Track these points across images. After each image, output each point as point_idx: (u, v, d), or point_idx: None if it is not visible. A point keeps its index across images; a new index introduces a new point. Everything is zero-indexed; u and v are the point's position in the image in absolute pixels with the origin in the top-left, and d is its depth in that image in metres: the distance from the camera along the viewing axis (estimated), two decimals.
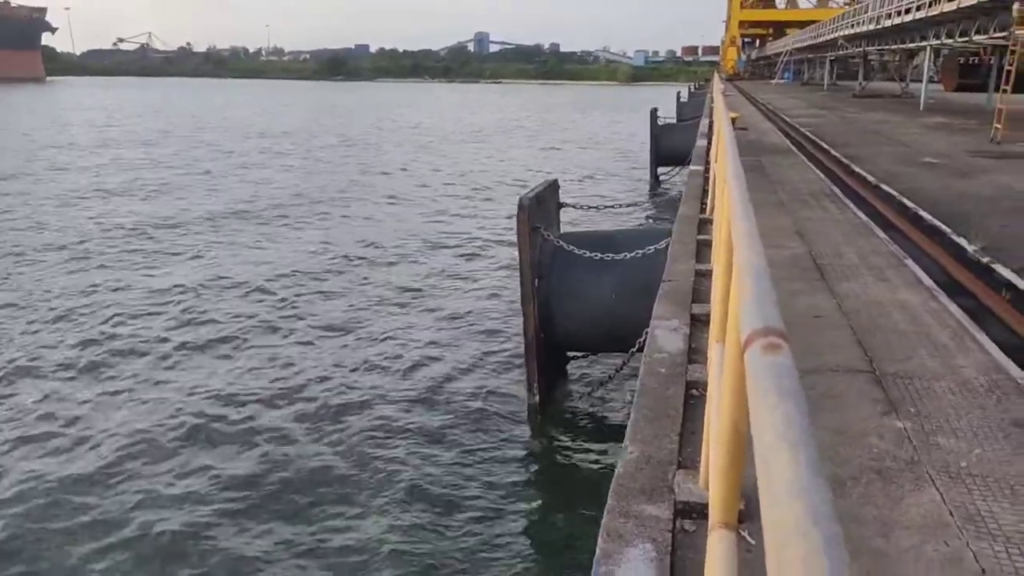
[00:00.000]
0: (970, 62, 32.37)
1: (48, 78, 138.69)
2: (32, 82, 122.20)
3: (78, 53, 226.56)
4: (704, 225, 6.98)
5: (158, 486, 6.49)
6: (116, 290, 12.09)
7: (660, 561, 2.21)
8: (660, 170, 23.27)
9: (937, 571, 2.24)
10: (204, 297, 11.76)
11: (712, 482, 1.56)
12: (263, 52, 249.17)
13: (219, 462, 6.92)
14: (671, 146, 21.60)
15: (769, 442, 0.64)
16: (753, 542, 2.30)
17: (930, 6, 22.10)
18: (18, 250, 14.55)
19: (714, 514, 1.47)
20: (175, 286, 12.26)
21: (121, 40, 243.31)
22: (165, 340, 9.91)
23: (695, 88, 50.83)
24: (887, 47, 32.84)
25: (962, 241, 6.45)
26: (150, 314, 10.94)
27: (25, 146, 32.92)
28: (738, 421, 1.36)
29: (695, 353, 3.87)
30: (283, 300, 11.73)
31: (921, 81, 29.41)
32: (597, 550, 2.25)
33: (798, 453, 0.59)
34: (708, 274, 5.11)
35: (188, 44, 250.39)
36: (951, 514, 2.51)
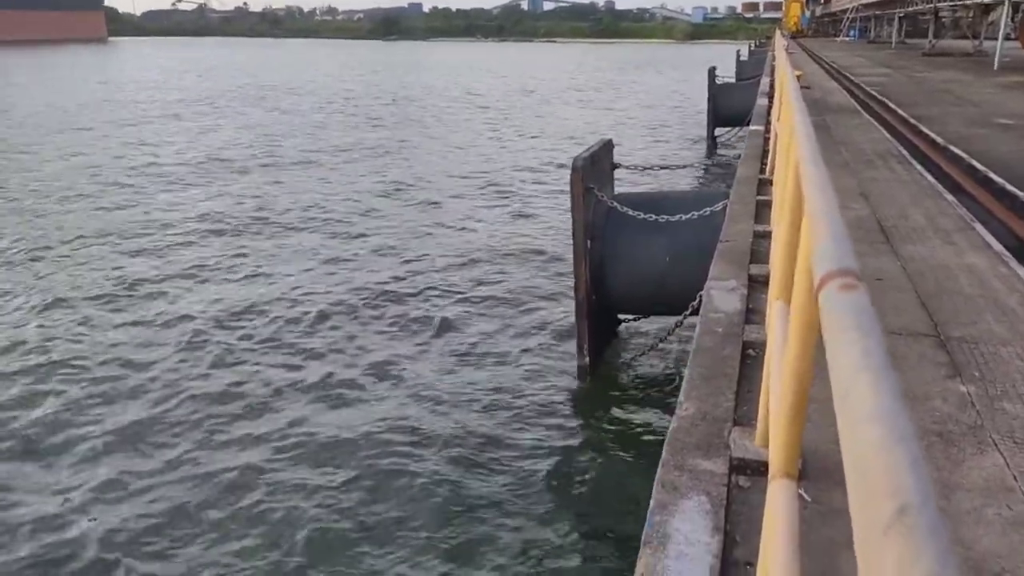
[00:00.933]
0: None
1: (110, 38, 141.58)
2: (95, 42, 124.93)
3: (138, 14, 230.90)
4: (763, 186, 6.84)
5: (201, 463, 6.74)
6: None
7: (715, 514, 2.22)
8: (718, 131, 22.75)
9: (999, 533, 2.21)
10: (256, 231, 12.05)
11: (773, 435, 1.57)
12: (317, 11, 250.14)
13: (272, 426, 7.15)
14: (729, 106, 21.08)
15: (847, 373, 0.64)
16: (809, 499, 2.30)
17: None
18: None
19: (775, 465, 1.48)
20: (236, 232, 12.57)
21: (179, 1, 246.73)
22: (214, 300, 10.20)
23: (755, 46, 49.32)
24: (960, 2, 31.21)
25: None
26: (203, 278, 11.26)
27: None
28: (803, 372, 1.36)
29: (752, 313, 3.83)
30: (336, 248, 11.97)
31: (996, 39, 27.94)
32: (652, 500, 2.27)
33: (879, 379, 0.60)
34: (767, 235, 5.02)
35: (245, 4, 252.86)
36: (1015, 479, 2.47)
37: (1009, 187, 6.95)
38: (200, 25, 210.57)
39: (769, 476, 1.49)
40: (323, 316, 9.53)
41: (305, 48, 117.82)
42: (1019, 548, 2.14)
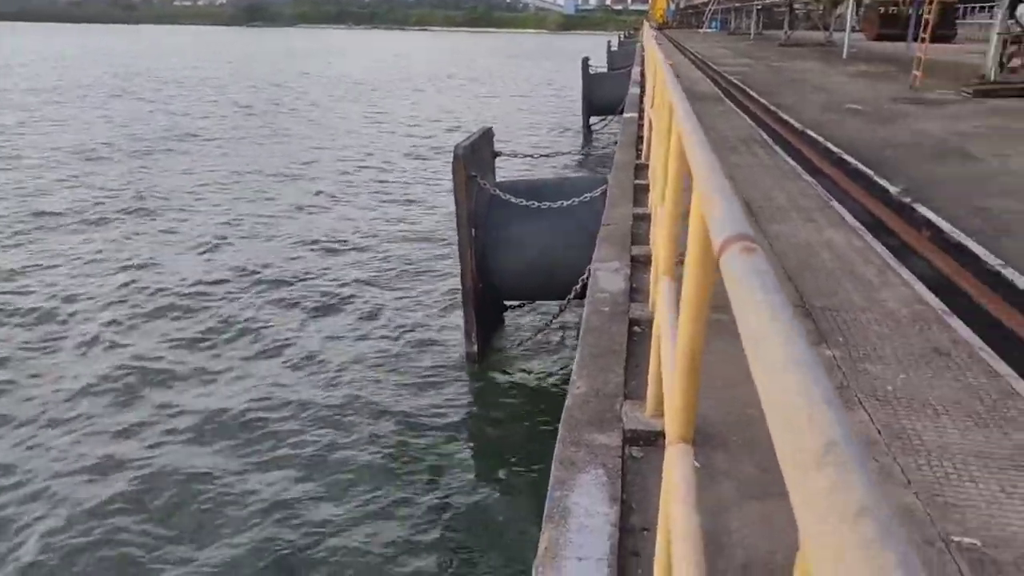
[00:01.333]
0: (890, 12, 33.21)
1: None
2: None
3: None
4: (640, 171, 7.07)
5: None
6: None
7: (612, 485, 2.29)
8: (592, 119, 23.30)
9: None
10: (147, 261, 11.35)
11: (668, 402, 1.62)
12: None
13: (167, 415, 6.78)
14: (603, 95, 21.63)
15: (759, 327, 0.67)
16: (698, 464, 2.40)
17: None
18: None
19: (671, 432, 1.53)
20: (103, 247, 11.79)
21: None
22: (104, 300, 9.55)
23: (625, 37, 50.77)
24: None
25: (884, 182, 6.71)
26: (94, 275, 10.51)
27: None
28: (696, 339, 1.42)
29: (636, 292, 3.96)
30: (218, 254, 11.42)
31: (844, 30, 30.06)
32: (551, 477, 2.31)
33: (789, 331, 0.63)
34: (646, 217, 5.20)
35: None
36: (879, 432, 2.68)
37: (861, 167, 7.49)
38: (47, 10, 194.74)
39: (666, 442, 1.54)
40: (198, 304, 9.17)
41: (164, 35, 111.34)
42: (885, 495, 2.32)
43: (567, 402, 2.77)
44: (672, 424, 1.54)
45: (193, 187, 15.54)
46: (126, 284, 9.92)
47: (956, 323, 3.67)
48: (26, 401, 6.99)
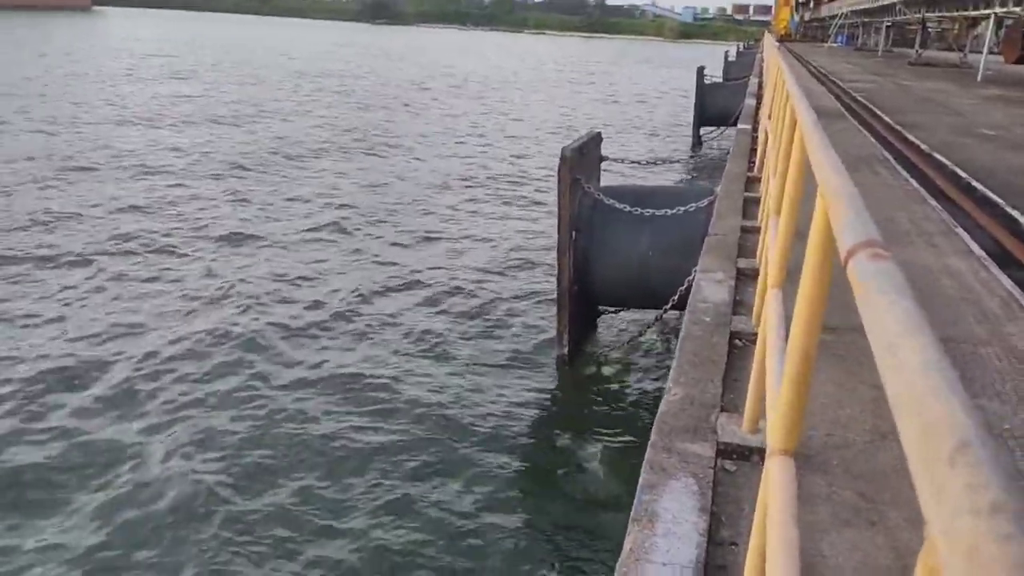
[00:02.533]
0: None
1: (94, 7, 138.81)
2: (79, 11, 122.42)
3: None
4: (751, 184, 6.90)
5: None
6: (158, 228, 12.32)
7: (702, 495, 2.26)
8: (703, 130, 22.88)
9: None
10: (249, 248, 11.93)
11: (773, 414, 1.59)
12: None
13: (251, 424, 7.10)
14: (716, 105, 21.21)
15: (891, 332, 0.66)
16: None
17: None
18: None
19: (774, 443, 1.51)
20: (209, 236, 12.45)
21: None
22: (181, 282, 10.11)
23: (744, 48, 49.56)
24: (948, 14, 31.60)
25: (1015, 213, 6.31)
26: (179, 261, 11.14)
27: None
28: (809, 349, 1.38)
29: (740, 306, 3.88)
30: (321, 243, 11.85)
31: (980, 52, 28.35)
32: (640, 480, 2.30)
33: (924, 335, 0.62)
34: (755, 230, 5.08)
35: None
36: None
37: (990, 194, 7.07)
38: (184, 0, 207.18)
39: (767, 454, 1.51)
40: (302, 290, 9.52)
41: (295, 28, 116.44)
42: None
43: (661, 407, 2.74)
44: (775, 435, 1.51)
45: (310, 180, 16.18)
46: (225, 292, 10.03)
47: None
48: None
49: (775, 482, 1.41)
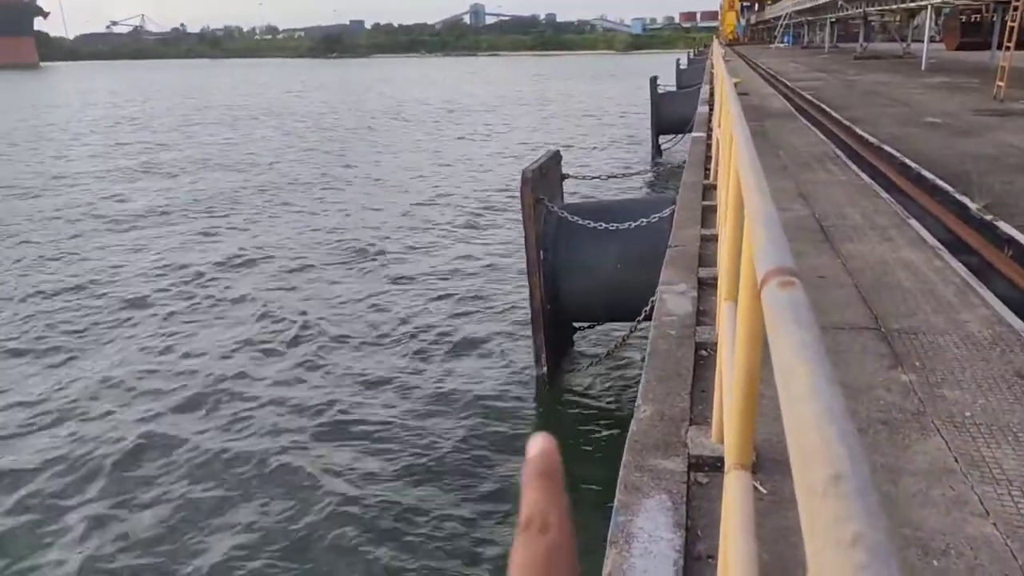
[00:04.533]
0: (972, 20, 32.02)
1: (42, 64, 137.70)
2: (26, 69, 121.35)
3: (71, 37, 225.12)
4: (708, 191, 7.02)
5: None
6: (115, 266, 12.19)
7: (676, 510, 2.29)
8: (661, 138, 23.16)
9: (943, 514, 2.32)
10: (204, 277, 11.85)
11: (727, 428, 1.64)
12: (256, 31, 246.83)
13: (223, 443, 7.04)
14: (672, 114, 21.47)
15: (788, 361, 0.70)
16: (764, 491, 2.39)
17: None
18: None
19: (730, 458, 1.55)
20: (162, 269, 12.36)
21: (114, 23, 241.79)
22: (147, 314, 10.01)
23: (694, 55, 50.36)
24: (887, 7, 32.48)
25: (965, 199, 6.48)
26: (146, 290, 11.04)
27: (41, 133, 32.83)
28: (752, 368, 1.43)
29: (703, 315, 3.94)
30: (283, 277, 11.82)
31: (922, 41, 29.14)
32: (615, 501, 2.33)
33: (814, 366, 0.66)
34: (714, 239, 5.17)
35: (182, 25, 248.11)
36: (956, 460, 2.59)
37: (940, 182, 7.25)
38: (136, 48, 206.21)
39: (725, 469, 1.56)
40: (268, 326, 9.48)
41: (248, 68, 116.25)
42: (962, 526, 2.26)
43: (632, 427, 2.78)
44: (731, 451, 1.55)
45: (267, 204, 16.13)
46: (215, 302, 10.34)
47: None
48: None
49: (732, 497, 1.45)
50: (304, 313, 10.28)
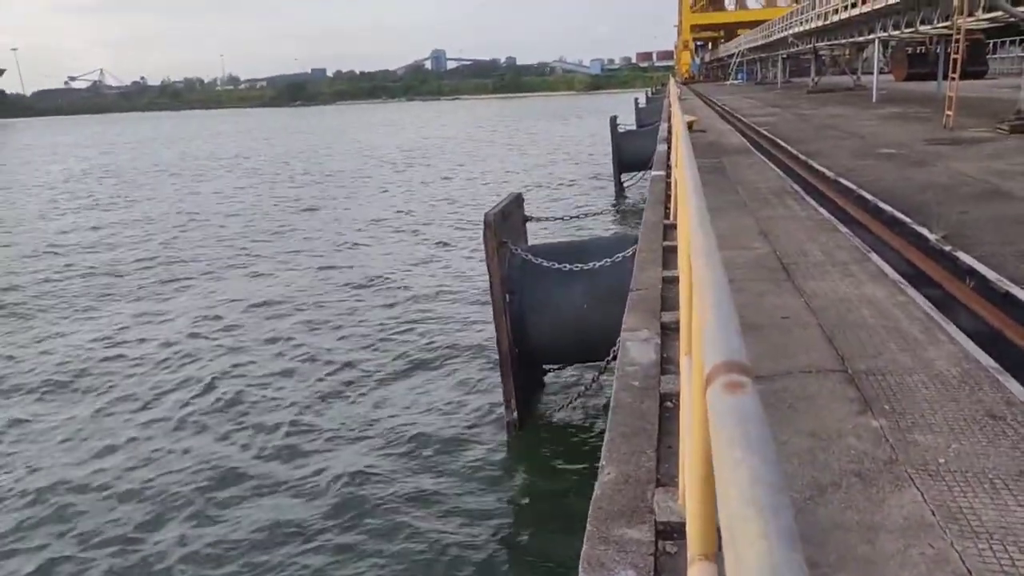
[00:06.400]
0: (918, 52, 33.07)
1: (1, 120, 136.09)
2: None
3: (28, 94, 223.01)
4: (669, 231, 6.98)
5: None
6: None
7: None
8: (624, 176, 23.36)
9: (923, 574, 2.20)
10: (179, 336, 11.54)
11: (689, 511, 1.50)
12: (218, 82, 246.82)
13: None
14: (633, 152, 21.70)
15: (735, 506, 0.57)
16: None
17: None
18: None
19: (692, 546, 1.41)
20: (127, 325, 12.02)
21: (72, 78, 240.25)
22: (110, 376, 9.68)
23: (652, 93, 51.34)
24: (837, 42, 33.44)
25: (923, 231, 6.51)
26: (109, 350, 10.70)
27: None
28: (708, 452, 1.30)
29: (667, 363, 3.82)
30: (252, 325, 11.55)
31: (872, 73, 29.99)
32: None
33: (769, 522, 0.53)
34: (676, 281, 5.08)
35: (142, 78, 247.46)
36: (933, 513, 2.48)
37: (897, 214, 7.30)
38: (96, 102, 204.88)
39: (688, 559, 1.42)
40: (239, 382, 9.20)
41: (210, 119, 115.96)
42: None
43: (595, 491, 2.63)
44: (693, 537, 1.42)
45: (228, 257, 15.86)
46: (167, 363, 10.03)
47: (1010, 382, 3.45)
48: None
49: None
50: (274, 360, 10.05)
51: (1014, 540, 2.32)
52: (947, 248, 5.89)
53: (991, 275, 5.14)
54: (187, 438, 8.05)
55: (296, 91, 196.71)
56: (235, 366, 10.02)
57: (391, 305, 12.58)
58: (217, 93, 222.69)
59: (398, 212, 22.52)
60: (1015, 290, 4.79)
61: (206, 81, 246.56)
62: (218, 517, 6.48)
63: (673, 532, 2.41)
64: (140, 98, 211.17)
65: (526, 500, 6.78)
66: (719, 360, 0.83)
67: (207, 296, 13.71)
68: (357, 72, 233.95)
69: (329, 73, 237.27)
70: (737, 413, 0.70)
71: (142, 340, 11.29)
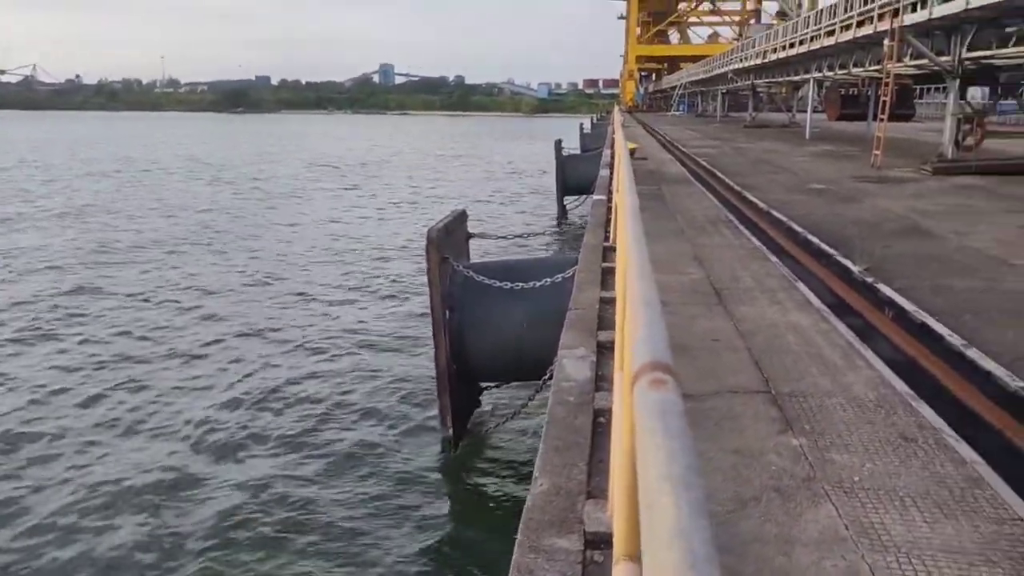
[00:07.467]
0: (850, 93, 34.56)
1: None
2: None
3: None
4: (608, 253, 7.13)
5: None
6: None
7: None
8: (567, 199, 23.69)
9: None
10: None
11: (616, 514, 1.56)
12: (157, 84, 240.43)
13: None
14: (576, 176, 22.03)
15: (653, 482, 0.64)
16: None
17: (811, 41, 23.59)
18: None
19: (619, 546, 1.47)
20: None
21: (2, 72, 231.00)
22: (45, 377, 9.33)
23: (597, 119, 52.23)
24: (774, 80, 34.71)
25: (848, 263, 6.81)
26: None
27: None
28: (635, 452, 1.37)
29: (602, 381, 3.91)
30: (186, 336, 11.26)
31: (806, 111, 31.21)
32: None
33: (680, 494, 0.59)
34: (613, 301, 5.20)
35: (77, 76, 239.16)
36: (847, 528, 2.61)
37: (824, 247, 7.62)
38: (27, 98, 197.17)
39: (613, 559, 1.48)
40: (181, 402, 8.94)
41: (148, 123, 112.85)
42: None
43: (528, 502, 2.69)
44: (619, 539, 1.48)
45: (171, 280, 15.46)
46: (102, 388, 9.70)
47: (922, 407, 3.65)
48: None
49: None
50: (206, 374, 9.81)
51: (919, 554, 2.46)
52: (869, 280, 6.18)
53: (909, 306, 5.42)
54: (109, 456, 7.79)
55: (239, 97, 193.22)
56: (171, 380, 9.75)
57: (334, 317, 12.46)
58: (156, 95, 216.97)
59: (342, 224, 22.32)
60: (931, 321, 5.06)
61: (144, 82, 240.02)
62: (145, 522, 6.30)
63: (601, 542, 2.48)
64: (74, 97, 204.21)
65: (459, 512, 6.79)
66: (646, 360, 0.90)
67: (119, 324, 13.32)
68: (303, 82, 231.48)
69: (274, 81, 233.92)
70: (659, 407, 0.77)
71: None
